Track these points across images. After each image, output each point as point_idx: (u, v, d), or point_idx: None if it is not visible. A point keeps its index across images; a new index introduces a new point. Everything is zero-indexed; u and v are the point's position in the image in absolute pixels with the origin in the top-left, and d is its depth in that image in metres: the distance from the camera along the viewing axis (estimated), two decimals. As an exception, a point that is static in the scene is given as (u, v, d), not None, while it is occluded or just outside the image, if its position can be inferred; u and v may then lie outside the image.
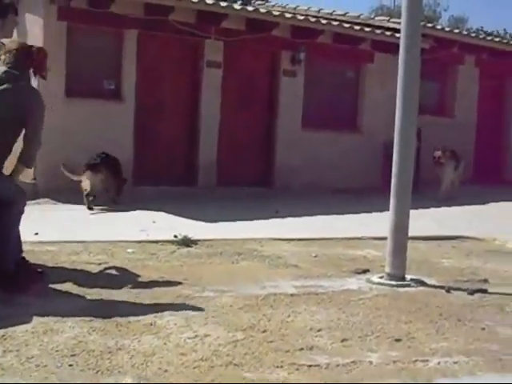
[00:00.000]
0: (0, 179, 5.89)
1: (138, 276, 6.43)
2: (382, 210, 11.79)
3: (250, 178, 14.19)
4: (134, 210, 11.20)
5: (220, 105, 13.86)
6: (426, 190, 14.02)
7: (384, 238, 8.71)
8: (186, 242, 8.25)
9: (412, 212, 6.68)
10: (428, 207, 12.39)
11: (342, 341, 4.66)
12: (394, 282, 6.18)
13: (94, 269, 6.71)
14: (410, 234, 6.65)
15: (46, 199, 12.01)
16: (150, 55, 13.26)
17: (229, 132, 14.00)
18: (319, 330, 4.84)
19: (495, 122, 18.50)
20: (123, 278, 6.34)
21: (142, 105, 13.09)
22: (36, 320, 4.92)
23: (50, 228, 9.18)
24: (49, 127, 12.34)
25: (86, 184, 11.66)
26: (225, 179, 13.78)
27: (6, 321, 4.87)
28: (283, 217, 10.74)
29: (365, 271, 6.78)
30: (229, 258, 7.40)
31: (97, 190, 11.73)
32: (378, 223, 10.28)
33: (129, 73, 12.94)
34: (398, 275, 6.25)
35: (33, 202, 11.78)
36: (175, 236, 8.46)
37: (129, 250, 7.78)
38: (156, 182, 13.09)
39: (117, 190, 12.03)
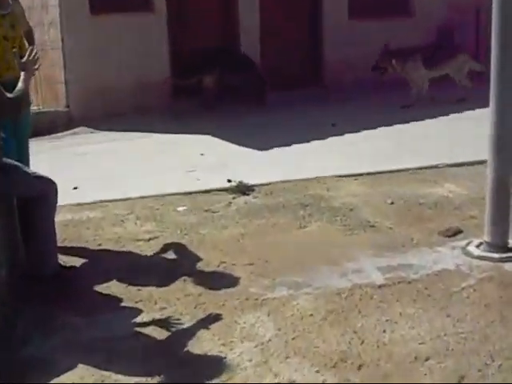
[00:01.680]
0: (14, 175, 4.82)
1: (197, 260, 5.48)
2: (456, 111, 10.93)
3: (299, 78, 12.99)
4: (177, 132, 10.22)
5: (259, 3, 12.53)
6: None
7: (463, 164, 7.80)
8: (242, 190, 7.26)
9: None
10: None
11: (460, 379, 3.70)
12: (496, 255, 5.13)
13: (145, 250, 5.77)
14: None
15: (82, 127, 11.05)
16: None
17: (270, 29, 12.77)
18: (427, 359, 3.87)
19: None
20: (179, 268, 5.39)
21: (175, 14, 11.84)
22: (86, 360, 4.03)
23: (88, 175, 8.25)
24: (77, 49, 11.49)
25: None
26: (271, 82, 12.61)
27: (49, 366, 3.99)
28: (341, 133, 9.64)
29: (456, 233, 5.73)
30: (294, 216, 6.39)
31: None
32: (455, 130, 9.26)
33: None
34: (500, 244, 5.20)
35: (68, 132, 10.94)
36: (229, 181, 7.48)
37: (179, 209, 6.82)
38: (195, 92, 12.00)
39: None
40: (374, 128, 9.87)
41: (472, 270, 5.02)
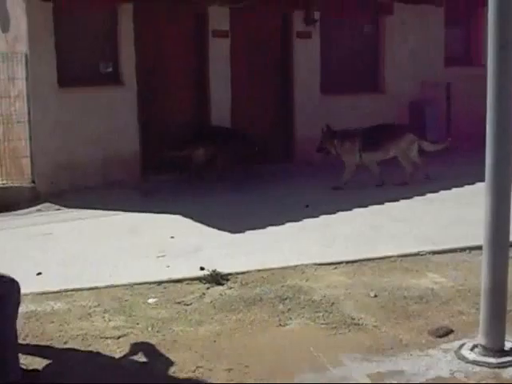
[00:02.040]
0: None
1: (170, 364, 5.04)
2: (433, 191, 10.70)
3: (270, 153, 12.70)
4: (146, 210, 9.82)
5: (230, 77, 12.31)
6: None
7: (445, 252, 7.49)
8: (216, 279, 6.85)
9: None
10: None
11: None
12: (493, 360, 4.78)
13: (113, 350, 5.32)
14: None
15: (47, 204, 10.60)
16: (149, 30, 11.66)
17: (242, 106, 12.50)
18: None
19: None
20: (151, 373, 4.95)
21: (145, 87, 11.56)
22: None
23: (53, 259, 7.81)
24: (44, 122, 11.13)
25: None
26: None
27: None
28: (315, 215, 9.30)
29: (447, 333, 5.37)
30: (273, 311, 6.00)
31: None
32: (432, 212, 8.99)
33: (126, 52, 11.40)
34: (496, 348, 4.84)
35: (33, 209, 10.49)
36: (201, 268, 7.09)
37: (150, 301, 6.40)
38: (167, 169, 11.67)
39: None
40: (349, 209, 9.56)
41: (469, 377, 4.65)
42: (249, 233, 8.59)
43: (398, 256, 7.34)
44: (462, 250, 7.50)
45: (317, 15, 12.75)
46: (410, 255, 7.39)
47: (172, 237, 8.54)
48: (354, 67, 13.85)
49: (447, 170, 11.86)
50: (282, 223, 8.94)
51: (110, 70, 11.39)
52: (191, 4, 11.59)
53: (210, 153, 11.63)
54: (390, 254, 7.38)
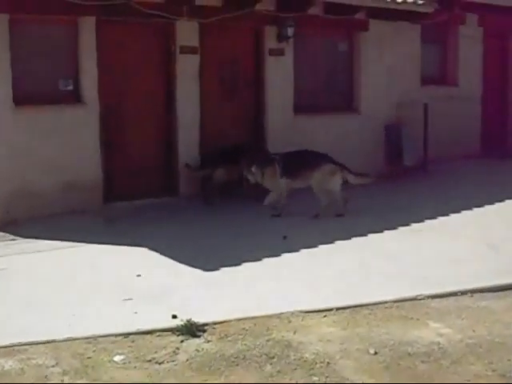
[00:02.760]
0: None
1: None
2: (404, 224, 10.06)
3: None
4: (110, 242, 8.87)
5: (199, 96, 11.43)
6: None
7: (444, 295, 6.70)
8: (191, 330, 5.97)
9: None
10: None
11: None
12: None
13: (73, 429, 4.42)
14: None
15: (2, 234, 9.58)
16: (113, 45, 10.72)
17: (212, 127, 11.64)
18: None
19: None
20: None
21: (108, 106, 10.62)
22: None
23: (5, 301, 6.86)
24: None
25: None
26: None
27: None
28: (295, 249, 8.46)
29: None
30: (259, 374, 5.13)
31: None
32: (416, 247, 8.12)
33: (88, 69, 10.43)
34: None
35: (-15, 239, 9.45)
36: (174, 316, 6.20)
37: (116, 359, 5.49)
38: (131, 195, 10.76)
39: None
40: (331, 242, 8.74)
41: None
42: (224, 270, 7.71)
43: (394, 301, 6.52)
44: (463, 293, 6.72)
45: (290, 32, 11.92)
46: (407, 300, 6.58)
47: (139, 275, 7.63)
48: (328, 86, 13.10)
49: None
50: (259, 259, 8.08)
51: (71, 87, 10.41)
52: (158, 18, 10.68)
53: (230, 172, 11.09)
54: (384, 298, 6.55)
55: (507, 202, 10.91)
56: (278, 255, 8.23)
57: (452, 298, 6.64)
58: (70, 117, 10.30)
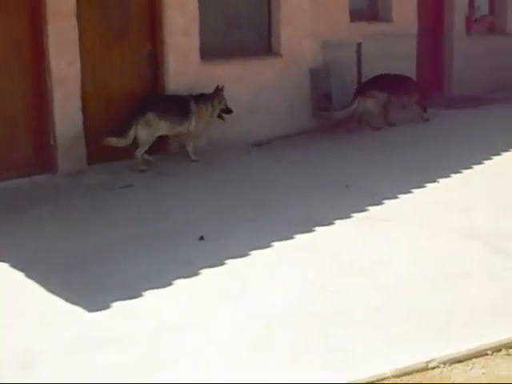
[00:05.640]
0: None
1: None
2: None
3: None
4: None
5: (78, 43, 8.46)
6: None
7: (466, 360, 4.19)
8: None
9: None
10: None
11: None
12: None
13: None
14: None
15: None
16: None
17: (98, 82, 8.76)
18: None
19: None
20: None
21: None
22: None
23: None
24: None
25: None
26: (99, 156, 8.60)
27: None
28: (218, 260, 5.80)
29: None
30: None
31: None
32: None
33: None
34: None
35: None
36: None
37: None
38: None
39: None
40: (268, 245, 6.11)
41: None
42: (115, 311, 4.99)
43: (393, 376, 3.97)
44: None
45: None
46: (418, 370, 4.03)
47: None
48: (242, 24, 10.31)
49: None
50: (168, 282, 5.40)
51: None
52: None
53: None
54: (377, 373, 3.98)
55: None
56: (193, 273, 5.55)
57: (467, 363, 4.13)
58: None
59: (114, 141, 8.45)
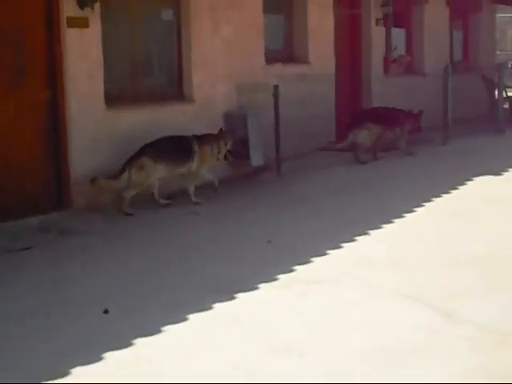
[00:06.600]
0: None
1: None
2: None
3: (35, 200, 8.11)
4: None
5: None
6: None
7: None
8: None
9: None
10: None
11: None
12: None
13: None
14: None
15: None
16: None
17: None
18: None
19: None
20: None
21: None
22: None
23: None
24: None
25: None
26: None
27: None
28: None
29: None
30: None
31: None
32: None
33: None
34: None
35: None
36: None
37: None
38: None
39: None
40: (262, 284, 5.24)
41: None
42: None
43: None
44: None
45: (96, -6, 8.22)
46: None
47: None
48: (151, 67, 9.50)
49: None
50: (158, 330, 4.47)
51: None
52: None
53: None
54: None
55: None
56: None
57: None
58: None
59: (104, 182, 8.06)
